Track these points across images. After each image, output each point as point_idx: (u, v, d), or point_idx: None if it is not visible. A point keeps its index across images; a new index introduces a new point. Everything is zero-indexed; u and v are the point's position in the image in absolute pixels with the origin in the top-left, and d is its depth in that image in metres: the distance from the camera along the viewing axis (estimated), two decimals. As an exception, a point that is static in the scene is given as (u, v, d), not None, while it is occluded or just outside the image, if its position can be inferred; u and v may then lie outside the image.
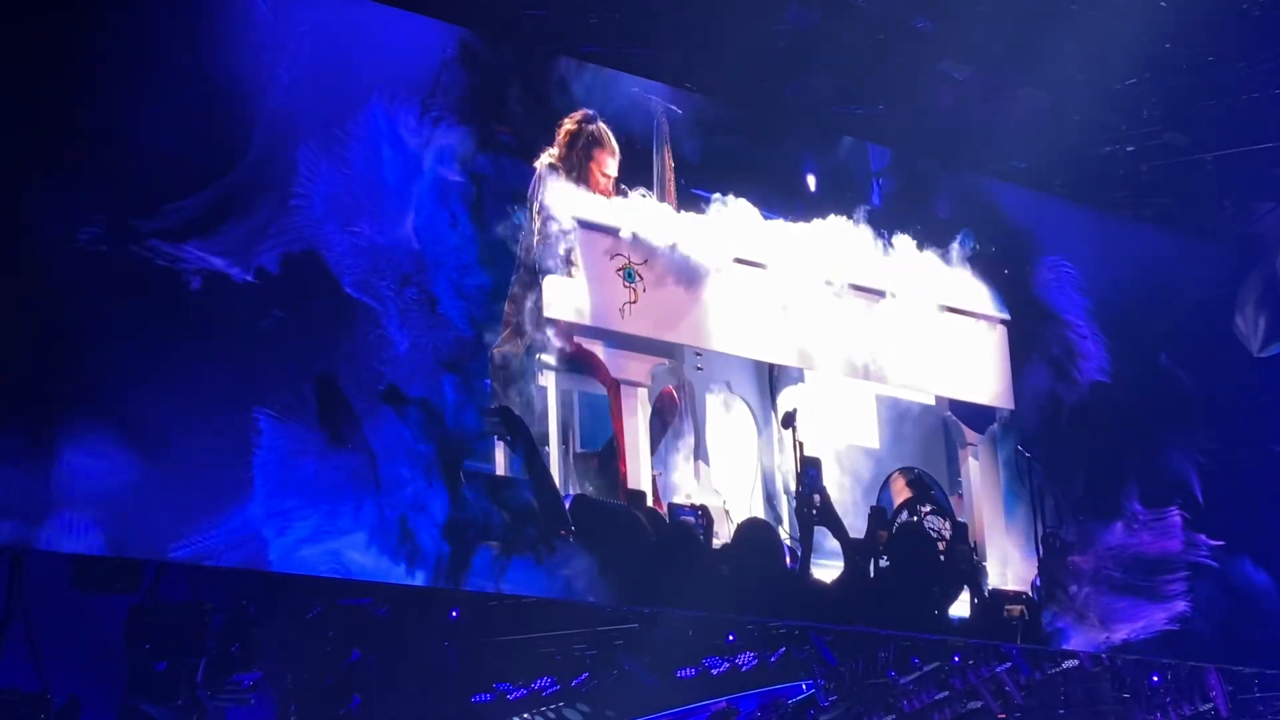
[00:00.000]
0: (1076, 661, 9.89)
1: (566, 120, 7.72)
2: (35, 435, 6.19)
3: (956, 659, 9.64)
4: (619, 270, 7.67)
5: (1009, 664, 9.79)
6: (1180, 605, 9.18)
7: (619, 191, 7.75)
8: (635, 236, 7.69)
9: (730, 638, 9.13)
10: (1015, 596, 8.49)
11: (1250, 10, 8.31)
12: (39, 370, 6.28)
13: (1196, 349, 9.71)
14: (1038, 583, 8.60)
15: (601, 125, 7.77)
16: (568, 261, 7.51)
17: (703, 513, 7.71)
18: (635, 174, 7.90)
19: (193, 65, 6.80)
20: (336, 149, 7.09)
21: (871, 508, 8.22)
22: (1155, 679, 10.10)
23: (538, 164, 7.61)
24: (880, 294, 8.40)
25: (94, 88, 6.57)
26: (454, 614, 8.24)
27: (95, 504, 6.25)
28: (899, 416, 8.57)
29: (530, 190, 7.57)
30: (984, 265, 8.77)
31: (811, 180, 8.56)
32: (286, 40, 7.06)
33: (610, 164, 7.75)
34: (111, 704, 7.20)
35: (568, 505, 7.33)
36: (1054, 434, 8.98)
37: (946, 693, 9.78)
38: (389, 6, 7.41)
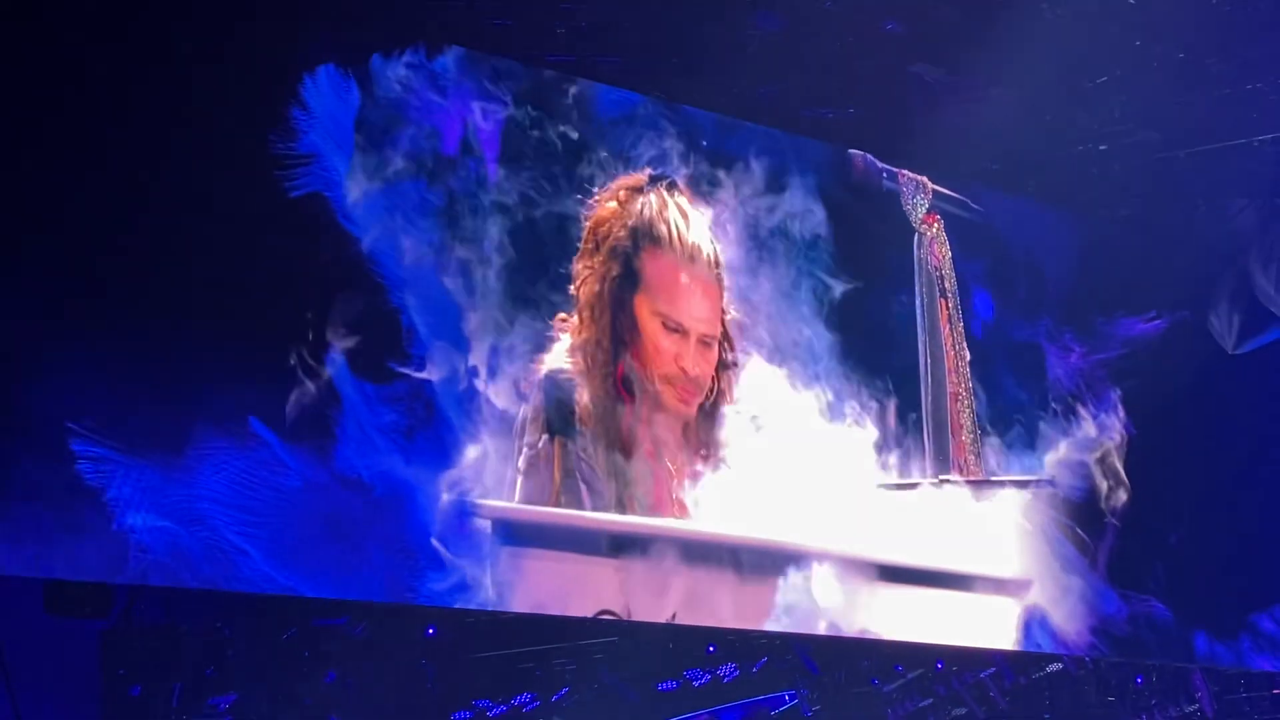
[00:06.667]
0: (1060, 665, 9.85)
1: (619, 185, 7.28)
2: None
3: (940, 665, 9.60)
4: None
5: (993, 669, 9.75)
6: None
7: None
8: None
9: (711, 649, 9.06)
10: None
11: (1220, 6, 8.28)
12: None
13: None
14: None
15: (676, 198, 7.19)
16: None
17: None
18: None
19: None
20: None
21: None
22: (1139, 681, 10.08)
23: (537, 373, 7.12)
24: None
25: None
26: (431, 631, 8.16)
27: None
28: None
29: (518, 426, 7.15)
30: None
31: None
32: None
33: (688, 301, 7.09)
34: (86, 731, 7.15)
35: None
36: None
37: (930, 700, 9.72)
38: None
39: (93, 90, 6.55)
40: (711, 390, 7.36)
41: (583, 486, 7.04)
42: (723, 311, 7.45)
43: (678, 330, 7.23)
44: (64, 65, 6.51)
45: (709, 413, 7.40)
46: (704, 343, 7.29)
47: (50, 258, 6.41)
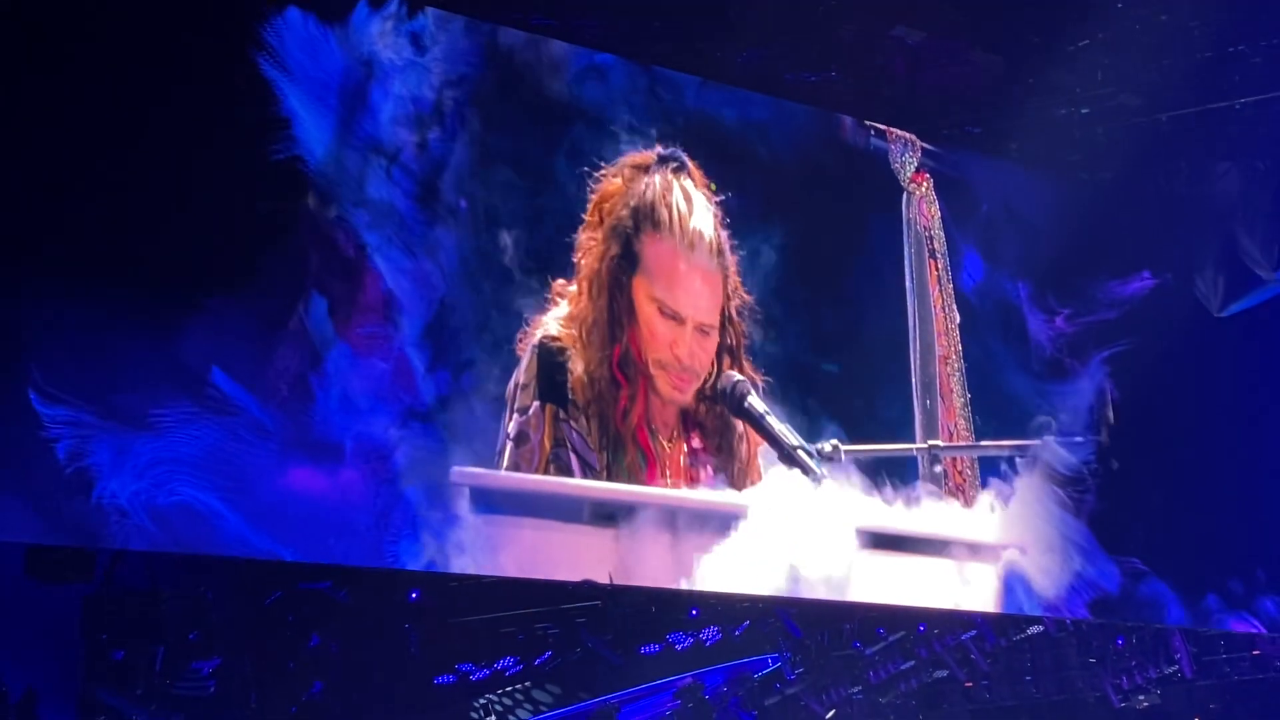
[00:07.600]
0: (1042, 627, 9.87)
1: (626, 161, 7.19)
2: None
3: (922, 628, 9.61)
4: None
5: (974, 632, 9.77)
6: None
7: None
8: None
9: (694, 613, 9.07)
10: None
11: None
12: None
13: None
14: None
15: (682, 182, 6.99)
16: None
17: None
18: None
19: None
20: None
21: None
22: (1120, 642, 10.10)
23: (532, 338, 7.14)
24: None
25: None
26: (414, 595, 8.16)
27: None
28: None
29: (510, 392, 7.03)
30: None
31: None
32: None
33: (686, 289, 6.95)
34: (69, 695, 7.13)
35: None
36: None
37: (912, 662, 9.74)
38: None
39: (57, 42, 6.50)
40: (710, 376, 7.33)
41: (573, 457, 7.02)
42: (727, 298, 7.38)
43: (674, 317, 7.17)
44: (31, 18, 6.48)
45: (709, 399, 7.36)
46: (701, 331, 7.24)
47: (16, 218, 6.38)
